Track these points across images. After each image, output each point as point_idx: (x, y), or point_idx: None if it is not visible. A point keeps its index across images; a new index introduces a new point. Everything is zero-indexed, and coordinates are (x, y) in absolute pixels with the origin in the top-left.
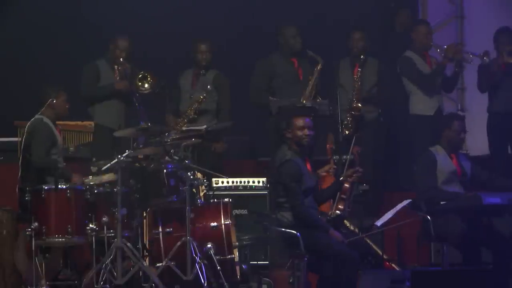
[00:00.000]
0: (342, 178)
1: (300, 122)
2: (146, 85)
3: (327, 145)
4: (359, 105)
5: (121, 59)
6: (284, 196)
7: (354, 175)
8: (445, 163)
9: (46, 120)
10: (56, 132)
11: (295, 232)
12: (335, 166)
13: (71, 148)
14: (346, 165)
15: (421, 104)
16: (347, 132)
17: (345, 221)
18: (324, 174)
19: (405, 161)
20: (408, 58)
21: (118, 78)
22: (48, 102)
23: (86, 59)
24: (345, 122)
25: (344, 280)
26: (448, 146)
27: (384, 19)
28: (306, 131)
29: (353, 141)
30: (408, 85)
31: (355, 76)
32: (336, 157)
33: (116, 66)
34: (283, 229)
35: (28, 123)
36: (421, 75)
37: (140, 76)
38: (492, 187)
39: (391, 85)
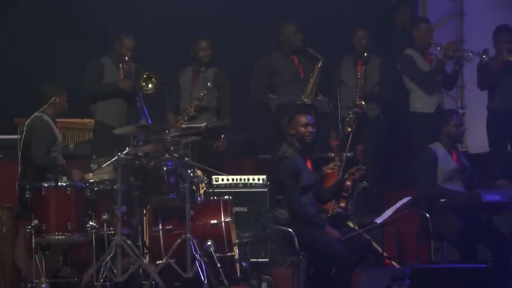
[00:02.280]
0: (346, 175)
1: (303, 119)
2: (150, 85)
3: (333, 142)
4: (362, 102)
5: (126, 58)
6: (282, 193)
7: (357, 173)
8: (445, 160)
9: (46, 117)
10: (56, 130)
11: (289, 229)
12: (339, 163)
13: (71, 146)
14: (343, 162)
15: (421, 102)
16: (349, 129)
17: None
18: (329, 171)
19: (406, 159)
20: (408, 56)
21: (122, 76)
22: (51, 100)
23: (86, 56)
24: (347, 119)
25: (338, 279)
26: (448, 141)
27: (384, 17)
28: (310, 128)
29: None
30: (408, 83)
31: (359, 74)
32: (344, 154)
33: (121, 65)
34: (279, 227)
35: (28, 121)
36: (421, 73)
37: (144, 76)
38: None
39: (392, 84)
